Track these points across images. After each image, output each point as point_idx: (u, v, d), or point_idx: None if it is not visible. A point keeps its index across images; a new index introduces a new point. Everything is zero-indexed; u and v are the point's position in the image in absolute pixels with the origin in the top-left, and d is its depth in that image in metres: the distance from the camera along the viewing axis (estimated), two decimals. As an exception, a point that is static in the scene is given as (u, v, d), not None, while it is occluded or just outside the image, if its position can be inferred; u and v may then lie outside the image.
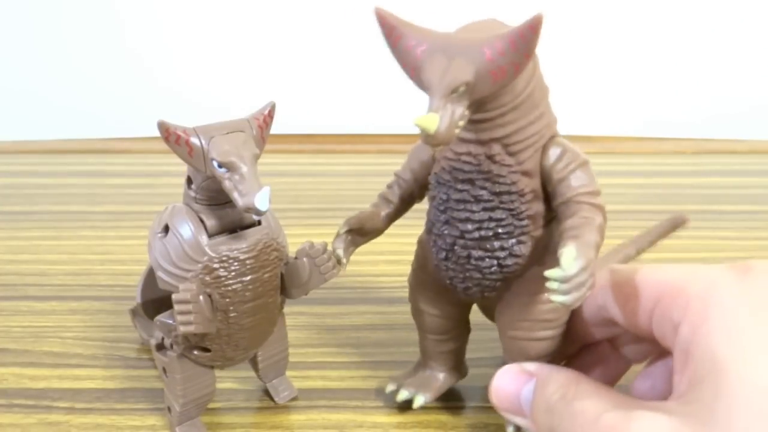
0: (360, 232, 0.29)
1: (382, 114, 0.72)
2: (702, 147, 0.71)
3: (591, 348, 0.28)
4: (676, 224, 0.35)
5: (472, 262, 0.26)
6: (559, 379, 0.23)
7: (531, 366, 0.25)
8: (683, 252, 0.46)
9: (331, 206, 0.54)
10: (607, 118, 0.71)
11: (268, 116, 0.25)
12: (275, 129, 0.26)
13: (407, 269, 0.44)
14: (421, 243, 0.29)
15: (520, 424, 0.25)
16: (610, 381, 0.28)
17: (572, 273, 0.21)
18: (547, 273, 0.22)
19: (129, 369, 0.34)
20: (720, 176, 0.62)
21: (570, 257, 0.21)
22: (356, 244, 0.29)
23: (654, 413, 0.20)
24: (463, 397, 0.32)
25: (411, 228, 0.47)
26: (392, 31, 0.23)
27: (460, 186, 0.25)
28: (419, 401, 0.30)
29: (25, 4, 0.71)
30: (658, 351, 0.26)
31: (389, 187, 0.29)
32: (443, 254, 0.26)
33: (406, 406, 0.31)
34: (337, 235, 0.28)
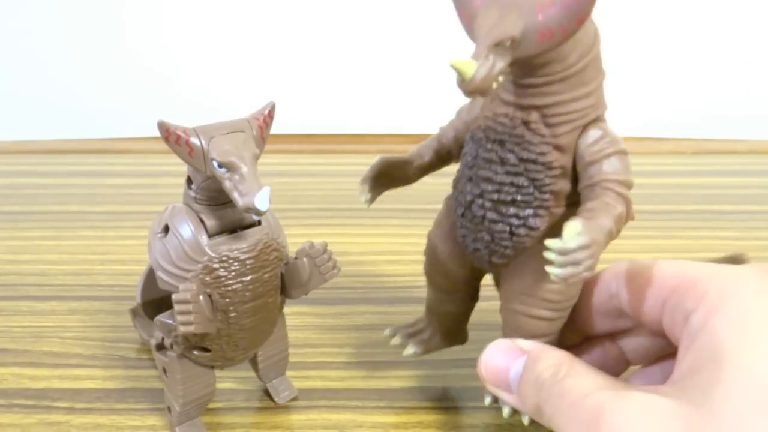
0: (389, 176, 0.29)
1: (382, 114, 0.72)
2: (702, 147, 0.71)
3: (592, 342, 0.28)
4: (732, 262, 0.34)
5: (486, 223, 0.26)
6: (552, 357, 0.23)
7: (524, 343, 0.24)
8: (683, 252, 0.46)
9: (331, 206, 0.54)
10: (607, 118, 0.71)
11: (268, 116, 0.25)
12: (275, 129, 0.26)
13: (407, 269, 0.44)
14: (447, 200, 0.29)
15: (505, 400, 0.24)
16: None
17: (570, 247, 0.21)
18: (547, 242, 0.22)
19: (129, 369, 0.34)
20: (720, 176, 0.62)
21: (573, 231, 0.21)
22: (384, 187, 0.29)
23: (646, 394, 0.19)
24: (464, 397, 0.32)
25: (411, 228, 0.47)
26: None
27: (489, 145, 0.25)
28: (409, 351, 0.31)
29: (25, 4, 0.71)
30: (658, 351, 0.26)
31: (430, 140, 0.29)
32: (461, 210, 0.27)
33: (405, 406, 0.31)
34: (368, 173, 0.29)
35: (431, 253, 0.30)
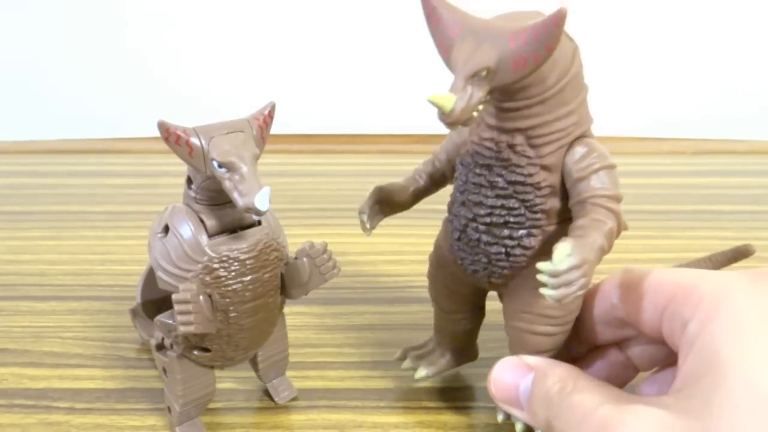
0: (387, 204, 0.30)
1: (382, 114, 0.72)
2: (701, 147, 0.71)
3: (599, 351, 0.28)
4: (740, 254, 0.34)
5: (481, 246, 0.26)
6: (559, 372, 0.23)
7: (531, 359, 0.25)
8: (682, 252, 0.46)
9: (331, 206, 0.54)
10: (607, 118, 0.71)
11: (268, 116, 0.25)
12: (275, 129, 0.26)
13: (407, 269, 0.44)
14: (444, 222, 0.30)
15: (517, 416, 0.25)
16: (616, 386, 0.27)
17: (561, 269, 0.21)
18: (539, 265, 0.22)
19: (129, 369, 0.34)
20: (720, 176, 0.62)
21: (563, 253, 0.21)
22: (384, 214, 0.30)
23: (648, 407, 0.20)
24: (464, 398, 0.32)
25: (411, 228, 0.47)
26: (433, 12, 0.23)
27: (478, 170, 0.25)
28: (421, 373, 0.31)
29: (26, 4, 0.71)
30: (665, 357, 0.26)
31: (424, 163, 0.30)
32: (457, 234, 0.27)
33: (405, 406, 0.31)
34: (365, 202, 0.29)
35: (434, 274, 0.30)
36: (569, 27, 0.22)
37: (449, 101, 0.21)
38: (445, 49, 0.23)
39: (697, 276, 0.23)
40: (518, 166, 0.24)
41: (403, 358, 0.32)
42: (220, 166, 0.23)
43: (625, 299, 0.25)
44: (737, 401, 0.18)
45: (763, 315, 0.20)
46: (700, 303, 0.21)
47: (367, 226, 0.29)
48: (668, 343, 0.23)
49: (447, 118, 0.22)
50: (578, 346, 0.28)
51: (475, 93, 0.22)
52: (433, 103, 0.21)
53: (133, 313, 0.36)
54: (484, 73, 0.22)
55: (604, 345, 0.28)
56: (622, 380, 0.28)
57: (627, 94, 0.73)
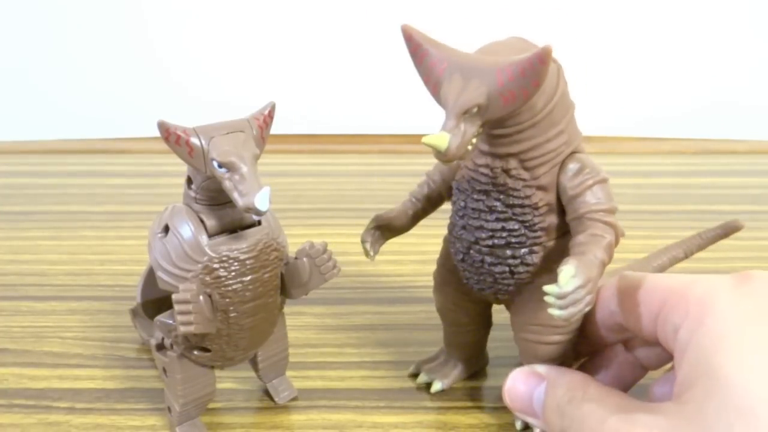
0: (388, 229, 0.30)
1: (383, 114, 0.72)
2: (702, 147, 0.71)
3: (606, 351, 0.29)
4: (728, 230, 0.34)
5: (486, 266, 0.27)
6: (568, 382, 0.24)
7: (541, 368, 0.26)
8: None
9: (331, 206, 0.54)
10: (607, 118, 0.71)
11: (268, 116, 0.26)
12: (275, 129, 0.26)
13: (407, 269, 0.44)
14: (446, 241, 0.30)
15: (533, 424, 0.26)
16: (624, 385, 0.28)
17: (568, 290, 0.22)
18: (545, 288, 0.22)
19: (129, 369, 0.34)
20: (720, 176, 0.62)
21: (567, 275, 0.22)
22: (385, 239, 0.30)
23: (651, 416, 0.21)
24: (464, 397, 0.32)
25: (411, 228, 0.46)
26: (418, 49, 0.23)
27: (476, 196, 0.26)
28: (436, 387, 0.31)
29: (26, 4, 0.71)
30: (671, 357, 0.27)
31: (419, 186, 0.30)
32: (460, 256, 0.28)
33: (405, 406, 0.31)
34: (366, 229, 0.30)
35: (439, 292, 0.31)
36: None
37: (444, 140, 0.22)
38: (434, 84, 0.23)
39: (686, 281, 0.23)
40: (515, 189, 0.25)
41: (416, 372, 0.33)
42: (220, 166, 0.23)
43: (621, 306, 0.26)
44: (729, 404, 0.19)
45: (747, 316, 0.20)
46: (688, 309, 0.22)
47: (371, 252, 0.30)
48: (665, 347, 0.24)
49: (443, 156, 0.22)
50: (587, 347, 0.29)
51: (468, 129, 0.22)
52: (429, 145, 0.22)
53: (133, 313, 0.36)
54: (475, 110, 0.22)
55: (612, 345, 0.28)
56: (631, 379, 0.28)
57: (627, 94, 0.73)
